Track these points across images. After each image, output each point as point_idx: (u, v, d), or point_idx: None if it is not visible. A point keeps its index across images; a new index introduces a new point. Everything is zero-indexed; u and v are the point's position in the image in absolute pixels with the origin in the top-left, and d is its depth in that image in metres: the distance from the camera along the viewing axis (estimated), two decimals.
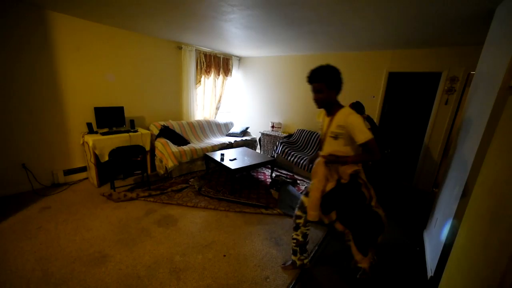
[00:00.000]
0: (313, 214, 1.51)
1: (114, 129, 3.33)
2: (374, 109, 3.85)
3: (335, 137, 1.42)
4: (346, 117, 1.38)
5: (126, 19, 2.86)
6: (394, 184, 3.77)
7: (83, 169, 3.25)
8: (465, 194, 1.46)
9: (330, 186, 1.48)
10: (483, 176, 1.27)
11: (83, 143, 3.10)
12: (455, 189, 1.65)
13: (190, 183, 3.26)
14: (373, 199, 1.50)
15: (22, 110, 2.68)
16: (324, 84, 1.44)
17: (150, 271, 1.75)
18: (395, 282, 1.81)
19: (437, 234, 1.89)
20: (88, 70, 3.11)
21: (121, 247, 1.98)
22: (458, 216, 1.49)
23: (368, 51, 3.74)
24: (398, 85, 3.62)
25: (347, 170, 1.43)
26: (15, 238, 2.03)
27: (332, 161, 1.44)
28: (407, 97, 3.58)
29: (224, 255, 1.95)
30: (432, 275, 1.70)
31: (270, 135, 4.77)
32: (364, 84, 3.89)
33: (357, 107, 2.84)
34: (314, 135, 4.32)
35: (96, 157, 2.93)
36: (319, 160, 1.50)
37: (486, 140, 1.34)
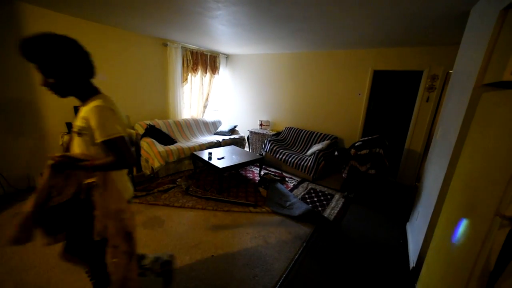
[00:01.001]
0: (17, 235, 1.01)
1: None
2: (360, 106, 3.94)
3: (79, 133, 1.04)
4: (91, 107, 1.02)
5: (107, 13, 2.74)
6: (379, 179, 3.88)
7: None
8: (444, 187, 1.52)
9: (64, 197, 1.05)
10: (460, 170, 1.32)
11: (62, 143, 2.95)
12: (435, 183, 1.72)
13: (177, 183, 3.20)
14: (110, 239, 1.05)
15: None
16: (37, 66, 0.99)
17: None
18: (379, 274, 1.87)
19: (419, 226, 1.96)
20: None
21: None
22: (437, 208, 1.56)
23: (355, 49, 3.80)
24: (383, 83, 3.72)
25: (81, 181, 1.04)
26: None
27: (65, 164, 1.00)
28: (392, 95, 3.69)
29: (213, 255, 1.93)
30: (414, 265, 1.76)
31: (259, 133, 4.77)
32: (351, 82, 3.97)
33: (342, 158, 3.03)
34: (303, 132, 4.37)
35: None
36: (47, 162, 1.02)
37: (462, 135, 1.40)
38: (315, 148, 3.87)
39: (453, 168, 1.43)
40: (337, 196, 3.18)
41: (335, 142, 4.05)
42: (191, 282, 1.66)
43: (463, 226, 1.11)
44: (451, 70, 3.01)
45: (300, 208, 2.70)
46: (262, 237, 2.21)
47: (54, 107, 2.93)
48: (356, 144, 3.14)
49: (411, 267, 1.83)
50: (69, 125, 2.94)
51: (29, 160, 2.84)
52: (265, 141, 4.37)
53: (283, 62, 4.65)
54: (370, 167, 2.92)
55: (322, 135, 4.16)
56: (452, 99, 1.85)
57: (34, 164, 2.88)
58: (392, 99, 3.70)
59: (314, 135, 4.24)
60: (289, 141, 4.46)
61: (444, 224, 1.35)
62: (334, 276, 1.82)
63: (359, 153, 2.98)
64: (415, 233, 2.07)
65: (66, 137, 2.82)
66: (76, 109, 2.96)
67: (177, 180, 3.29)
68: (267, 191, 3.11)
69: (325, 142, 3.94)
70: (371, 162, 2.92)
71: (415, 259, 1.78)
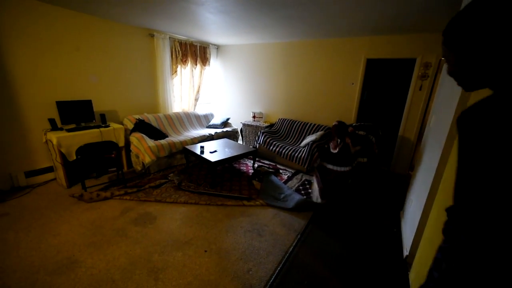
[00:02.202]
0: None
1: (83, 124, 3.08)
2: (353, 96, 3.89)
3: None
4: None
5: (87, 1, 2.57)
6: (373, 169, 3.89)
7: (50, 169, 2.99)
8: (437, 176, 1.50)
9: None
10: (454, 158, 1.30)
11: (46, 141, 2.83)
12: (428, 172, 1.70)
13: (169, 178, 3.13)
14: None
15: None
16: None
17: (125, 273, 1.65)
18: (373, 262, 1.87)
19: (412, 214, 1.97)
20: (45, 60, 2.79)
21: (93, 250, 1.85)
22: (430, 197, 1.54)
23: (347, 38, 3.72)
24: (376, 71, 3.67)
25: None
26: None
27: None
28: (385, 84, 3.65)
29: (206, 251, 1.89)
30: (407, 254, 1.77)
31: (252, 125, 4.70)
32: (343, 71, 3.90)
33: (342, 128, 2.83)
34: (296, 123, 4.32)
35: (63, 156, 2.70)
36: None
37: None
38: (309, 139, 3.83)
39: (446, 156, 1.41)
40: None
41: (329, 133, 4.01)
42: (183, 278, 1.62)
43: None
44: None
45: (294, 199, 2.68)
46: (256, 230, 2.19)
47: (35, 103, 2.78)
48: (353, 124, 3.09)
49: (404, 256, 1.84)
50: (52, 121, 2.81)
51: (10, 159, 2.71)
52: (259, 133, 4.31)
53: (275, 52, 4.54)
54: (361, 154, 2.88)
55: (316, 125, 4.12)
56: (445, 87, 1.82)
57: (16, 162, 2.75)
58: (385, 88, 3.66)
59: (308, 126, 4.19)
60: (283, 133, 4.42)
61: (437, 213, 1.34)
62: (329, 266, 1.81)
63: (356, 132, 2.92)
64: (408, 222, 2.07)
65: (49, 134, 2.71)
66: (60, 104, 2.83)
67: (169, 175, 3.22)
68: (261, 183, 3.08)
69: (319, 133, 3.90)
70: (361, 146, 2.86)
71: (408, 248, 1.78)
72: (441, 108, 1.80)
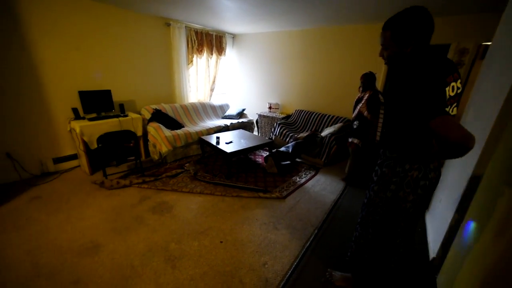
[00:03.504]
0: None
1: (103, 114, 3.16)
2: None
3: None
4: None
5: None
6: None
7: (74, 156, 3.13)
8: (474, 176, 1.36)
9: None
10: (500, 154, 1.15)
11: (70, 129, 2.94)
12: (463, 170, 1.55)
13: (185, 168, 3.16)
14: None
15: None
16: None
17: (144, 260, 1.69)
18: (396, 263, 1.78)
19: (441, 215, 1.83)
20: (67, 50, 2.86)
21: (115, 235, 1.92)
22: (465, 197, 1.41)
23: (371, 24, 3.47)
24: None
25: None
26: (3, 230, 1.96)
27: None
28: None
29: (221, 241, 1.89)
30: (434, 256, 1.65)
31: (268, 116, 4.61)
32: (366, 60, 3.67)
33: (369, 79, 2.68)
34: (314, 115, 4.17)
35: (86, 144, 2.80)
36: None
37: (504, 115, 1.21)
38: (327, 131, 3.69)
39: (487, 156, 1.26)
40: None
41: (348, 125, 3.84)
42: (199, 268, 1.64)
43: (501, 217, 0.97)
44: (486, 42, 2.69)
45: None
46: (272, 223, 2.16)
47: (60, 93, 2.88)
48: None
49: (431, 258, 1.72)
50: (75, 111, 2.91)
51: (40, 146, 2.85)
52: (275, 124, 4.22)
53: (293, 40, 4.35)
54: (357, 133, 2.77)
55: (334, 117, 3.95)
56: (490, 75, 1.62)
57: (45, 149, 2.90)
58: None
59: (326, 117, 4.04)
60: (300, 125, 4.29)
61: (475, 215, 1.21)
62: (347, 267, 1.74)
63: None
64: (436, 222, 1.94)
65: (73, 123, 2.81)
66: (82, 94, 2.92)
67: (185, 165, 3.25)
68: (271, 157, 3.14)
69: (338, 125, 3.75)
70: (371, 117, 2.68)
71: (436, 250, 1.66)
72: (482, 101, 1.61)
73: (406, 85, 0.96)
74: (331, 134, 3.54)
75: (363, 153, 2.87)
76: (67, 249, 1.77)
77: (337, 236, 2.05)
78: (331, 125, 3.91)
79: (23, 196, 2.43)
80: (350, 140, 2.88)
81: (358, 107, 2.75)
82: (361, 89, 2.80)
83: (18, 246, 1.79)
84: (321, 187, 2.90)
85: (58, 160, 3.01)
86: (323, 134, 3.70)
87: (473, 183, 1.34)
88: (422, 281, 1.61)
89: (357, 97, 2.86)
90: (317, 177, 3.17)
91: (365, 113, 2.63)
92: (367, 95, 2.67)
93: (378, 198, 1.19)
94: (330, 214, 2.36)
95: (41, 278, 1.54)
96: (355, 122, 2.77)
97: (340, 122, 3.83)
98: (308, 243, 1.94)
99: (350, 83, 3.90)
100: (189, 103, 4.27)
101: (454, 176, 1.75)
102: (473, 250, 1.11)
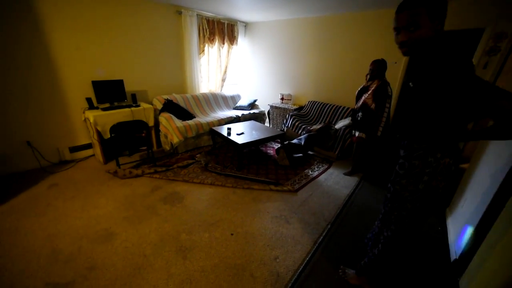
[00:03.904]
0: None
1: (115, 104, 3.18)
2: (395, 77, 3.45)
3: None
4: None
5: None
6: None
7: (89, 146, 3.20)
8: (510, 176, 1.23)
9: None
10: None
11: (84, 119, 2.99)
12: (496, 169, 1.42)
13: (196, 158, 3.16)
14: None
15: (18, 86, 2.54)
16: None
17: (156, 249, 1.71)
18: (415, 263, 1.70)
19: (466, 214, 1.71)
20: (80, 40, 2.86)
21: (127, 224, 1.95)
22: (498, 198, 1.29)
23: (391, 8, 3.22)
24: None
25: None
26: (25, 214, 2.04)
27: None
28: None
29: (232, 234, 1.88)
30: (457, 258, 1.55)
31: (280, 107, 4.50)
32: (385, 49, 3.44)
33: (381, 66, 2.50)
34: (327, 107, 4.02)
35: (99, 133, 2.84)
36: None
37: None
38: (341, 124, 3.54)
39: None
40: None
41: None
42: (210, 260, 1.63)
43: None
44: None
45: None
46: (283, 217, 2.11)
47: (74, 83, 2.91)
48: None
49: (452, 259, 1.62)
50: (89, 100, 2.94)
51: (57, 134, 2.93)
52: (287, 116, 4.11)
53: (306, 28, 4.15)
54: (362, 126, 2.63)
55: (349, 109, 3.78)
56: None
57: (62, 138, 2.98)
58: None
59: (340, 109, 3.88)
60: (312, 116, 4.16)
61: (509, 219, 1.10)
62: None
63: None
64: (459, 221, 1.82)
65: (87, 113, 2.85)
66: (96, 84, 2.94)
67: (196, 156, 3.25)
68: (283, 150, 3.07)
69: None
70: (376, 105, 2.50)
71: (458, 251, 1.56)
72: None
73: (454, 72, 0.87)
74: (346, 126, 3.40)
75: (368, 147, 2.72)
76: (83, 236, 1.82)
77: (351, 232, 1.98)
78: (345, 118, 3.76)
79: (43, 183, 2.52)
80: (356, 134, 2.72)
81: (363, 98, 2.57)
82: (368, 77, 2.59)
83: (39, 231, 1.85)
84: (334, 181, 2.81)
85: (74, 149, 3.09)
86: (337, 126, 3.57)
87: (508, 185, 1.22)
88: (444, 283, 1.52)
89: (361, 86, 2.67)
90: (330, 170, 3.08)
91: (372, 105, 2.46)
92: (374, 85, 2.48)
93: (408, 191, 1.11)
94: (343, 209, 2.28)
95: (59, 262, 1.59)
96: (358, 114, 2.61)
97: None
98: (320, 239, 1.88)
99: (365, 74, 3.70)
100: (200, 93, 4.23)
101: (485, 173, 1.62)
102: (501, 255, 1.01)
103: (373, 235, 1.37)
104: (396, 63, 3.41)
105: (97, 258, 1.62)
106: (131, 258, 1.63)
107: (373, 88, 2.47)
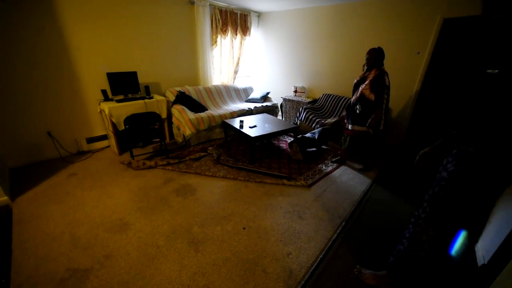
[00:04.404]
0: None
1: (129, 95, 3.21)
2: (417, 69, 3.25)
3: None
4: None
5: None
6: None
7: (104, 137, 3.27)
8: None
9: None
10: None
11: (100, 111, 3.04)
12: None
13: (208, 151, 3.15)
14: None
15: (39, 79, 2.61)
16: None
17: (168, 240, 1.72)
18: (438, 267, 1.60)
19: (498, 219, 1.57)
20: (95, 33, 2.88)
21: (141, 215, 1.97)
22: None
23: None
24: (455, 36, 2.91)
25: None
26: (47, 202, 2.12)
27: None
28: (468, 52, 2.88)
29: (244, 228, 1.86)
30: (485, 263, 1.45)
31: (293, 100, 4.39)
32: (407, 38, 3.23)
33: (379, 55, 2.36)
34: (343, 100, 3.86)
35: (114, 125, 2.88)
36: None
37: None
38: None
39: None
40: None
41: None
42: (222, 253, 1.62)
43: None
44: None
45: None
46: (296, 212, 2.06)
47: (90, 75, 2.96)
48: None
49: (480, 264, 1.51)
50: (104, 92, 2.98)
51: (75, 125, 3.01)
52: (300, 109, 4.00)
53: (322, 18, 3.97)
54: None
55: None
56: None
57: (80, 129, 3.06)
58: (468, 57, 2.90)
59: None
60: (327, 110, 4.02)
61: None
62: (377, 264, 1.61)
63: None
64: (490, 226, 1.68)
65: (102, 104, 2.90)
66: (110, 76, 2.97)
67: (208, 148, 3.24)
68: (296, 143, 3.00)
69: None
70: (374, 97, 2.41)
71: (487, 256, 1.45)
72: None
73: None
74: None
75: (370, 142, 2.60)
76: (99, 224, 1.87)
77: (366, 231, 1.90)
78: None
79: (63, 172, 2.61)
80: (349, 127, 2.63)
81: (360, 89, 2.44)
82: (365, 67, 2.46)
83: (59, 218, 1.92)
84: (349, 177, 2.71)
85: (91, 140, 3.17)
86: None
87: None
88: None
89: (358, 78, 2.55)
90: (345, 166, 2.97)
91: (370, 96, 2.34)
92: (372, 75, 2.35)
93: (451, 195, 1.02)
94: (359, 206, 2.20)
95: (78, 249, 1.64)
96: (357, 106, 2.48)
97: None
98: (335, 236, 1.82)
99: (386, 65, 3.48)
100: (213, 85, 4.20)
101: None
102: None
103: (408, 237, 1.26)
104: (419, 53, 3.20)
105: (113, 247, 1.66)
106: (144, 248, 1.65)
107: (370, 78, 2.34)
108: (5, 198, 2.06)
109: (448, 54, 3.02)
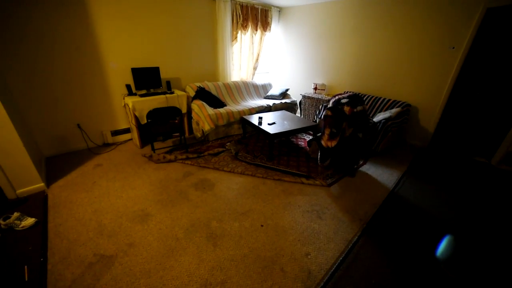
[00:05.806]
0: None
1: (152, 90, 3.30)
2: (450, 67, 3.02)
3: None
4: None
5: None
6: (464, 158, 3.11)
7: (127, 130, 3.40)
8: None
9: None
10: None
11: (124, 105, 3.16)
12: None
13: (226, 147, 3.17)
14: None
15: (72, 74, 2.76)
16: None
17: (187, 234, 1.75)
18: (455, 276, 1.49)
19: None
20: (121, 29, 2.97)
21: (161, 207, 2.03)
22: None
23: None
24: (500, 27, 2.63)
25: None
26: (77, 189, 2.25)
27: None
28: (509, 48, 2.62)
29: (262, 225, 1.84)
30: None
31: (312, 98, 4.28)
32: (439, 30, 3.00)
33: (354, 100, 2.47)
34: (365, 98, 3.70)
35: (137, 119, 2.98)
36: None
37: None
38: (381, 116, 3.24)
39: None
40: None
41: (407, 111, 3.32)
42: (240, 249, 1.62)
43: None
44: None
45: None
46: (315, 212, 2.01)
47: (116, 70, 3.07)
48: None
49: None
50: (129, 87, 3.08)
51: (101, 118, 3.15)
52: (320, 106, 3.90)
53: (345, 12, 3.80)
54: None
55: (390, 101, 3.44)
56: None
57: (105, 122, 3.20)
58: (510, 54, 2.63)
59: (380, 101, 3.54)
60: None
61: None
62: (400, 268, 1.53)
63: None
64: None
65: (126, 99, 3.00)
66: (134, 71, 3.07)
67: (227, 144, 3.26)
68: (315, 142, 2.91)
69: (394, 110, 3.25)
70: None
71: None
72: None
73: None
74: (386, 119, 3.10)
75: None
76: (123, 214, 1.94)
77: (390, 235, 1.81)
78: (386, 110, 3.43)
79: (90, 163, 2.75)
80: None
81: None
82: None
83: (87, 206, 2.03)
84: (370, 178, 2.60)
85: (115, 132, 3.31)
86: (376, 119, 3.27)
87: None
88: None
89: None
90: (367, 166, 2.86)
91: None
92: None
93: None
94: (381, 209, 2.10)
95: (104, 236, 1.72)
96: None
97: (398, 107, 3.32)
98: (355, 238, 1.75)
99: (415, 62, 3.28)
100: (232, 81, 4.20)
101: None
102: None
103: None
104: (453, 48, 2.96)
105: (135, 236, 1.72)
106: (165, 240, 1.69)
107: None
108: (42, 184, 2.22)
109: (490, 49, 2.76)
